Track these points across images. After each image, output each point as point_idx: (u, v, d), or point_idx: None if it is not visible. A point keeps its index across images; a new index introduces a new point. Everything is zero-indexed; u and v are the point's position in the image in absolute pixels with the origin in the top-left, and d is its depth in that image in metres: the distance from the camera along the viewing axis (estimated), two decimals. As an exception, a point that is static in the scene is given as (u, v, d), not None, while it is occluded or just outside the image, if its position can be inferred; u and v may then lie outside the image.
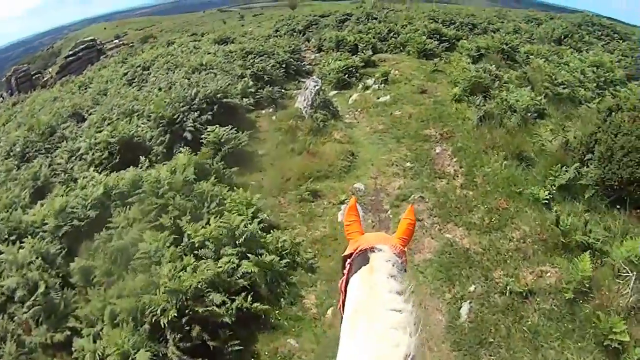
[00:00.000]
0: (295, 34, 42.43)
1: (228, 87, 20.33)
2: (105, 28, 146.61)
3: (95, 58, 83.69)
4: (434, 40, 29.54)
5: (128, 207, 12.50)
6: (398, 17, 40.20)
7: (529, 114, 17.38)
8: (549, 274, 10.72)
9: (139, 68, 35.48)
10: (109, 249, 10.99)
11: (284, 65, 27.28)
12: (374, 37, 31.74)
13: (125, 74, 35.55)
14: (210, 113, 18.17)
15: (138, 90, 28.43)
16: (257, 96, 22.24)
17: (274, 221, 13.25)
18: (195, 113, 18.05)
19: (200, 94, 18.83)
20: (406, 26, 34.59)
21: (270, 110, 21.99)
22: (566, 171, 13.16)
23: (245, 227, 11.01)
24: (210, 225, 11.08)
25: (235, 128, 17.35)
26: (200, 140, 16.75)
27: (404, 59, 28.20)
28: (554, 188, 13.05)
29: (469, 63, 24.25)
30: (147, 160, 15.63)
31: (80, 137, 20.23)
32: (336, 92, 24.31)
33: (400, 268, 2.33)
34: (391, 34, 32.63)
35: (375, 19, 39.27)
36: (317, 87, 20.50)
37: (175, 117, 17.79)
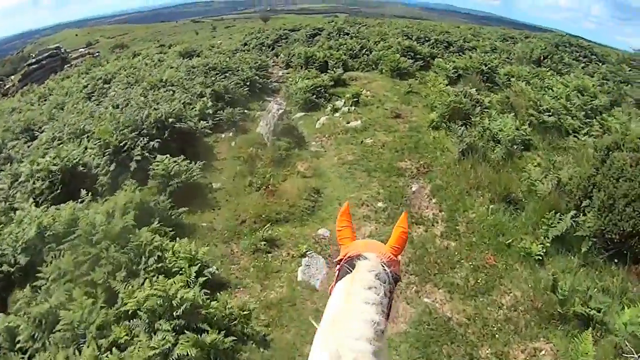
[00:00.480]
0: (264, 48, 40.31)
1: (183, 109, 18.72)
2: (76, 35, 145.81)
3: (59, 67, 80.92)
4: (408, 59, 27.68)
5: (61, 254, 10.73)
6: (371, 32, 38.16)
7: (515, 146, 15.84)
8: (543, 352, 9.16)
9: (99, 81, 33.60)
10: (33, 311, 9.24)
11: (248, 83, 25.41)
12: (345, 54, 29.72)
13: (86, 86, 33.67)
14: (158, 140, 16.38)
15: (97, 104, 26.78)
16: (217, 118, 20.50)
17: (223, 277, 11.31)
18: (145, 139, 16.26)
19: (151, 117, 17.13)
20: (379, 42, 32.51)
21: (230, 134, 19.98)
22: (560, 220, 11.65)
23: (185, 294, 8.95)
24: (145, 288, 9.18)
25: (188, 158, 15.59)
26: (148, 172, 14.94)
27: (377, 78, 26.21)
28: (548, 240, 11.52)
29: (446, 85, 22.46)
30: (90, 193, 13.74)
31: (26, 159, 18.30)
32: (303, 114, 22.25)
33: (385, 279, 2.38)
34: (363, 51, 30.59)
35: (347, 34, 37.21)
36: (280, 111, 18.56)
37: (122, 144, 15.98)
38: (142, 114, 17.40)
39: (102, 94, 29.98)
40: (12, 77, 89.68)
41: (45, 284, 10.22)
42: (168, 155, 15.19)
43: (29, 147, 21.93)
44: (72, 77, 48.53)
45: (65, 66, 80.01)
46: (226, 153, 18.24)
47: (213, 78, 24.04)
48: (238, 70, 26.74)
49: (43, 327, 8.98)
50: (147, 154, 15.64)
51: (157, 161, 14.89)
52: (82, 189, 13.91)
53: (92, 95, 30.70)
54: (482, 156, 15.22)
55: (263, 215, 13.52)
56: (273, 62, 34.73)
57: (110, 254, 10.10)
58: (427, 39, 34.11)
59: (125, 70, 35.20)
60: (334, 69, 26.67)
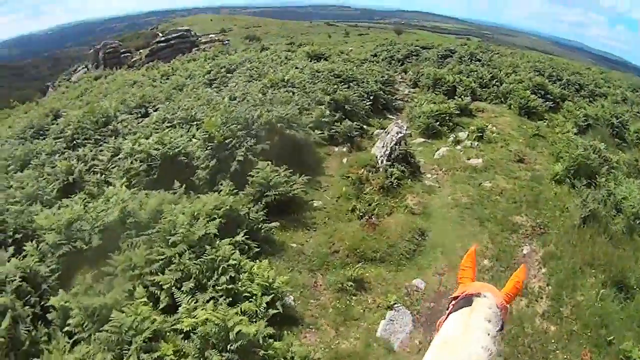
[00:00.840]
0: (393, 62, 39.47)
1: (298, 115, 17.94)
2: (211, 20, 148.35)
3: (187, 49, 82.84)
4: (538, 97, 26.54)
5: (137, 245, 10.64)
6: (502, 62, 36.82)
7: (638, 221, 14.30)
8: None
9: (223, 69, 34.00)
10: (85, 302, 8.92)
11: (371, 97, 24.57)
12: (474, 82, 28.80)
13: (209, 72, 34.04)
14: (267, 143, 15.60)
15: (216, 92, 26.69)
16: (333, 130, 19.49)
17: (297, 311, 10.55)
18: (252, 140, 15.54)
19: (262, 118, 16.45)
20: (510, 74, 31.33)
21: (344, 149, 19.20)
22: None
23: (246, 329, 8.18)
24: (207, 309, 8.60)
25: (294, 168, 14.79)
26: (248, 176, 14.08)
27: (504, 113, 25.25)
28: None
29: (575, 133, 21.30)
30: (184, 186, 13.55)
31: (132, 135, 18.23)
32: (423, 140, 21.59)
33: (498, 319, 2.48)
34: (494, 81, 29.35)
35: (479, 60, 36.00)
36: (400, 135, 17.71)
37: (227, 141, 15.32)
38: (255, 113, 16.74)
39: (223, 83, 30.04)
40: (141, 51, 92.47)
41: (113, 271, 10.09)
42: (269, 163, 14.34)
43: (138, 123, 21.99)
44: (198, 60, 49.76)
45: (194, 49, 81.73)
46: (335, 170, 17.36)
47: (335, 86, 23.14)
48: (363, 82, 25.85)
49: (94, 319, 8.70)
50: (250, 157, 14.88)
51: (258, 168, 14.12)
52: (177, 180, 13.70)
53: (213, 83, 30.82)
54: (602, 226, 13.97)
55: (358, 250, 12.70)
56: (401, 78, 33.88)
57: (183, 261, 9.80)
58: (558, 77, 32.81)
59: (250, 63, 35.15)
60: (462, 96, 25.85)
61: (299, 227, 13.58)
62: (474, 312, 2.45)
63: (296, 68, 28.93)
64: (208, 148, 15.39)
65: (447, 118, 22.56)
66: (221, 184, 13.49)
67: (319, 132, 18.27)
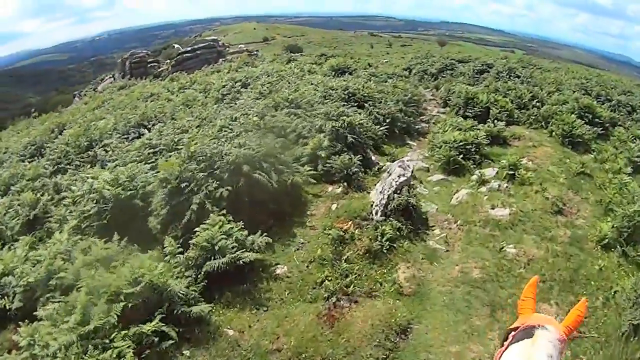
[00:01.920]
0: (425, 77, 35.64)
1: (280, 150, 15.17)
2: (254, 28, 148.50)
3: (214, 59, 79.62)
4: (585, 122, 22.01)
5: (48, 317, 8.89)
6: (544, 79, 32.12)
7: None
8: None
9: (237, 83, 31.04)
10: None
11: (388, 120, 20.98)
12: (512, 102, 24.60)
13: (224, 86, 31.07)
14: (228, 188, 12.68)
15: (223, 109, 24.08)
16: (328, 164, 16.00)
17: None
18: (214, 183, 12.78)
19: (229, 156, 13.46)
20: (553, 94, 26.86)
21: (339, 189, 15.46)
22: None
23: None
24: None
25: (257, 223, 12.43)
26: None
27: (544, 142, 20.86)
28: None
29: (628, 174, 16.98)
30: (126, 239, 11.58)
31: (112, 163, 16.83)
32: (442, 177, 17.58)
33: (559, 355, 2.40)
34: (534, 102, 25.04)
35: (518, 77, 31.41)
36: (402, 179, 13.84)
37: (183, 185, 12.74)
38: (223, 148, 13.95)
39: (235, 99, 27.05)
40: (168, 61, 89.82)
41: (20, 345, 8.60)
42: (222, 218, 11.54)
43: (124, 148, 19.53)
44: (222, 72, 46.77)
45: (220, 59, 78.62)
46: (320, 219, 13.90)
47: (342, 109, 19.18)
48: (380, 101, 22.46)
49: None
50: (209, 205, 12.19)
51: (207, 223, 11.31)
52: (131, 227, 12.25)
53: (225, 98, 28.07)
54: None
55: (304, 355, 9.20)
56: (431, 95, 29.96)
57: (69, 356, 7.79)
58: (608, 97, 27.86)
59: (267, 77, 31.88)
60: (495, 119, 21.86)
61: (247, 305, 10.55)
62: (535, 345, 2.35)
63: (311, 84, 26.02)
64: (164, 191, 12.80)
65: (473, 150, 18.39)
66: (166, 240, 11.41)
67: (310, 167, 15.49)
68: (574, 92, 27.43)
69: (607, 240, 13.02)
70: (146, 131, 21.97)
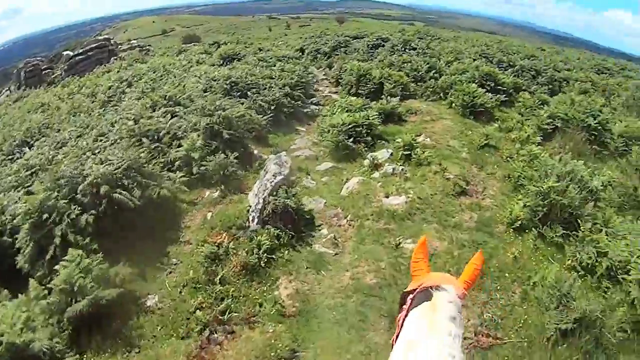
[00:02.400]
0: (319, 56, 33.50)
1: (141, 158, 12.70)
2: (154, 21, 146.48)
3: (106, 59, 75.38)
4: (487, 91, 20.29)
5: None
6: (443, 49, 30.47)
7: None
8: None
9: (124, 83, 28.30)
10: None
11: (273, 107, 18.82)
12: (407, 75, 22.78)
13: (110, 87, 28.31)
14: (93, 213, 10.68)
15: (106, 115, 21.11)
16: (203, 167, 13.75)
17: None
18: (77, 210, 10.68)
19: (90, 177, 11.10)
20: (452, 63, 25.19)
21: (216, 193, 13.30)
22: None
23: None
24: None
25: (123, 252, 10.28)
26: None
27: (443, 114, 19.15)
28: None
29: (538, 144, 15.27)
30: None
31: None
32: (331, 165, 15.49)
33: (461, 316, 2.30)
34: (431, 73, 23.30)
35: (414, 49, 29.61)
36: (279, 178, 11.88)
37: (44, 216, 10.51)
38: (85, 168, 11.65)
39: (120, 100, 24.60)
40: (62, 66, 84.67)
41: None
42: (79, 252, 9.28)
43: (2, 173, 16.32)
44: (112, 71, 43.46)
45: (112, 58, 74.49)
46: (195, 232, 11.77)
47: (218, 102, 16.66)
48: (265, 88, 20.16)
49: None
50: (71, 236, 10.20)
51: (65, 260, 9.11)
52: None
53: (112, 100, 25.50)
54: (598, 332, 8.18)
55: None
56: (324, 75, 27.88)
57: None
58: (510, 63, 26.33)
59: (152, 73, 29.22)
60: (390, 96, 19.91)
61: (119, 348, 8.64)
62: (436, 310, 2.22)
63: (195, 76, 24.12)
64: (27, 225, 10.64)
65: (364, 131, 16.23)
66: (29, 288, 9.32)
67: (183, 173, 13.63)
68: (474, 60, 25.86)
69: (520, 222, 11.29)
70: (27, 149, 19.35)
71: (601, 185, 12.18)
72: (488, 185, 13.36)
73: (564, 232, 10.68)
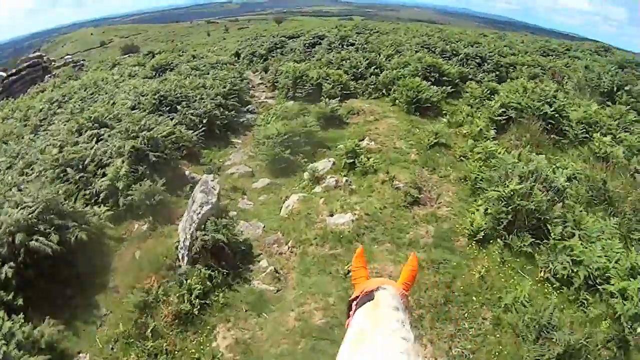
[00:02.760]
0: (255, 59, 31.83)
1: (61, 196, 11.07)
2: (92, 34, 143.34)
3: (40, 77, 72.04)
4: (431, 83, 19.02)
5: None
6: (382, 42, 28.84)
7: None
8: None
9: (55, 104, 25.59)
10: None
11: (205, 120, 17.24)
12: (347, 72, 21.25)
13: (41, 110, 25.64)
14: (12, 266, 9.18)
15: (42, 138, 18.68)
16: (129, 196, 11.96)
17: None
18: None
19: (6, 221, 9.70)
20: (392, 57, 23.72)
21: (145, 226, 11.67)
22: None
23: None
24: None
25: (48, 307, 9.06)
26: None
27: (387, 112, 17.68)
28: None
29: (493, 137, 14.03)
30: None
31: None
32: (269, 182, 13.95)
33: (404, 308, 2.29)
34: (371, 69, 21.79)
35: (353, 45, 28.11)
36: (206, 208, 10.24)
37: None
38: (2, 211, 10.22)
39: (51, 123, 21.84)
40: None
41: None
42: (1, 314, 8.26)
43: None
44: (47, 90, 40.46)
45: (47, 76, 71.17)
46: (124, 275, 10.24)
47: (143, 122, 14.74)
48: (195, 99, 18.49)
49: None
50: None
51: None
52: None
53: (43, 124, 22.93)
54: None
55: None
56: (260, 79, 26.28)
57: None
58: (454, 52, 25.08)
59: (84, 90, 26.64)
60: (329, 97, 18.36)
61: None
62: (379, 304, 2.21)
63: (125, 92, 21.84)
64: None
65: (302, 140, 14.65)
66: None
67: (109, 206, 11.97)
68: (416, 52, 24.60)
69: (482, 233, 9.89)
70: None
71: (566, 181, 10.89)
72: (443, 191, 12.02)
73: (533, 240, 9.47)
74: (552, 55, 32.55)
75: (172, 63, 29.87)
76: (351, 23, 48.14)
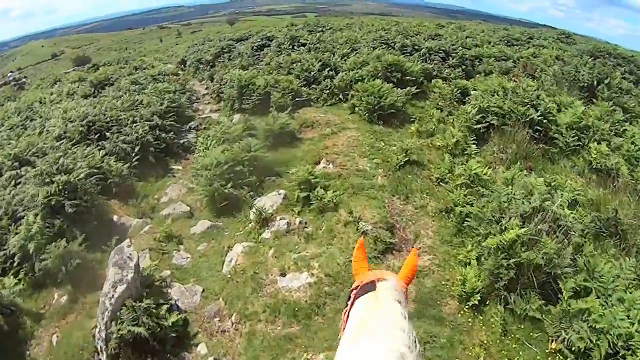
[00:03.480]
0: (201, 66, 29.00)
1: None
2: (42, 46, 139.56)
3: (-25, 101, 67.95)
4: (394, 85, 16.43)
5: None
6: (336, 40, 26.17)
7: None
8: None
9: None
10: None
11: (137, 147, 14.63)
12: (298, 77, 18.71)
13: None
14: None
15: None
16: (44, 261, 9.57)
17: None
18: None
19: None
20: (348, 56, 21.18)
21: (64, 298, 9.45)
22: None
23: None
24: None
25: None
26: None
27: (346, 122, 15.22)
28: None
29: (475, 154, 11.59)
30: None
31: None
32: (210, 224, 11.30)
33: (405, 300, 2.26)
34: (325, 71, 19.12)
35: (304, 45, 25.44)
36: (121, 288, 7.92)
37: None
38: None
39: None
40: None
41: None
42: None
43: None
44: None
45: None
46: None
47: (62, 161, 12.17)
48: (127, 124, 15.83)
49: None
50: None
51: None
52: None
53: None
54: None
55: None
56: (206, 89, 23.58)
57: None
58: (415, 47, 22.50)
59: (17, 116, 23.44)
60: (278, 108, 15.87)
61: None
62: (380, 295, 2.15)
63: (49, 120, 18.97)
64: None
65: (247, 170, 12.08)
66: None
67: (22, 275, 10.06)
68: (374, 48, 22.13)
69: (478, 296, 7.45)
70: None
71: (568, 208, 8.53)
72: (420, 228, 9.64)
73: (542, 302, 7.30)
74: (516, 45, 30.08)
75: (111, 78, 26.77)
76: (302, 21, 45.40)
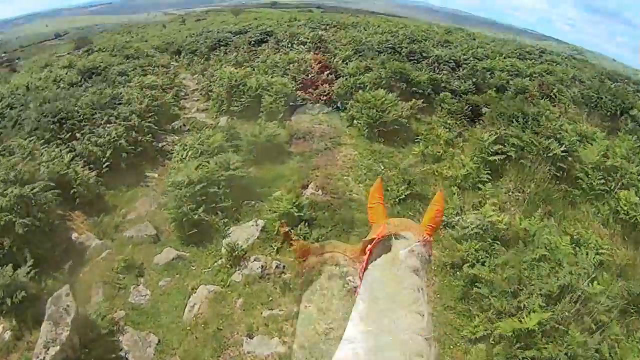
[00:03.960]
0: (196, 58, 27.29)
1: None
2: (47, 25, 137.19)
3: (-18, 80, 66.12)
4: (398, 97, 14.85)
5: None
6: (339, 40, 24.70)
7: None
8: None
9: None
10: None
11: (109, 151, 12.79)
12: (294, 79, 17.11)
13: None
14: None
15: None
16: None
17: None
18: None
19: None
20: (351, 59, 19.70)
21: (8, 334, 7.86)
22: None
23: None
24: None
25: None
26: None
27: (343, 137, 13.67)
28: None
29: (488, 198, 9.96)
30: None
31: None
32: (176, 254, 9.58)
33: (424, 259, 2.16)
34: (325, 75, 17.55)
35: (304, 44, 23.83)
36: (52, 350, 6.31)
37: None
38: None
39: None
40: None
41: None
42: None
43: None
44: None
45: (-20, 80, 65.11)
46: None
47: (20, 167, 10.32)
48: (100, 124, 14.04)
49: None
50: None
51: None
52: None
53: None
54: None
55: None
56: (196, 84, 21.84)
57: None
58: (423, 54, 20.85)
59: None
60: (269, 113, 14.61)
61: None
62: (396, 263, 2.02)
63: (29, 109, 16.48)
64: None
65: (222, 192, 10.34)
66: None
67: None
68: (380, 53, 20.58)
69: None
70: None
71: (593, 271, 6.98)
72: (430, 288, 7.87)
73: None
74: (529, 59, 28.30)
75: (99, 66, 24.92)
76: (306, 16, 43.81)
